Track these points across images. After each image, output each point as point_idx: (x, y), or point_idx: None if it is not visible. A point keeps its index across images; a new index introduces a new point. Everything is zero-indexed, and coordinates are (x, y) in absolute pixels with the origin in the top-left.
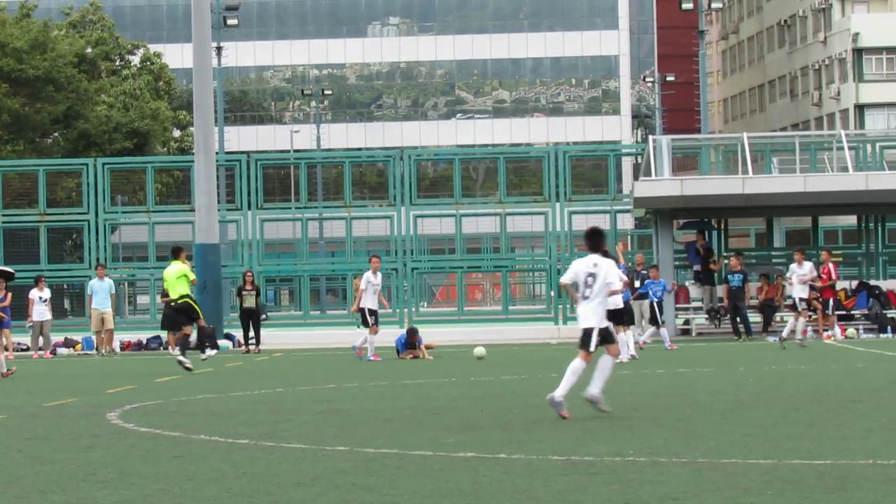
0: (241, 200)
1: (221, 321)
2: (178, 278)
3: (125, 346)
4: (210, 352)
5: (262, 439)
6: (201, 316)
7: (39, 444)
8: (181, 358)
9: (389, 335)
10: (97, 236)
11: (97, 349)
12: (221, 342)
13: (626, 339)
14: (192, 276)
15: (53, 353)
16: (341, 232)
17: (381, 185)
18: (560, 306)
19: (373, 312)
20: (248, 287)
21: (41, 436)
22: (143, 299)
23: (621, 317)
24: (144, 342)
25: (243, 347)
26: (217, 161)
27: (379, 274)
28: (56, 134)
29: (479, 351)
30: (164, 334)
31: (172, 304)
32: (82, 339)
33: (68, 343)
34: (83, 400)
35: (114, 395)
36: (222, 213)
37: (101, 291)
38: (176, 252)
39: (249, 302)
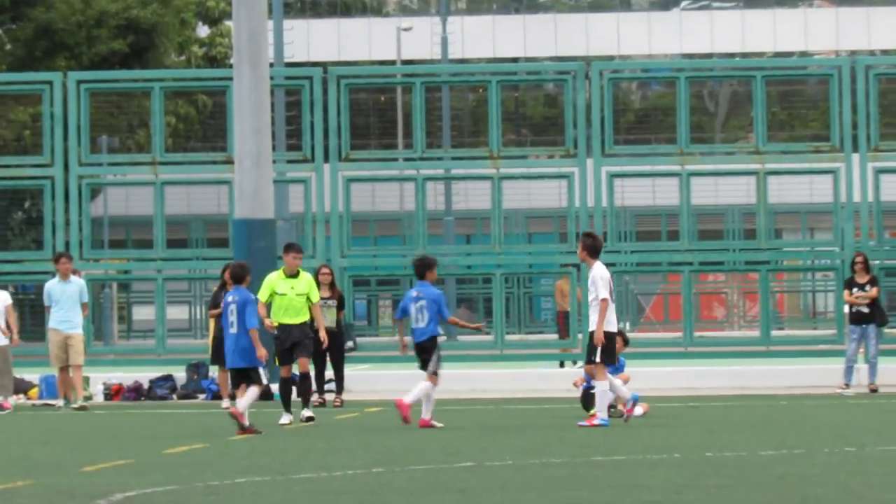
0: (313, 147)
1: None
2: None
3: (113, 393)
4: (306, 412)
5: None
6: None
7: None
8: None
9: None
10: (66, 205)
11: (63, 397)
12: (275, 388)
13: None
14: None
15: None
16: (482, 201)
17: (551, 123)
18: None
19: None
20: (325, 294)
21: None
22: (142, 313)
23: None
24: (147, 386)
25: (315, 396)
26: (272, 79)
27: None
28: None
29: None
30: (214, 371)
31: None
32: (40, 380)
33: (17, 387)
34: (41, 483)
35: (94, 476)
36: (280, 167)
37: (64, 300)
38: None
39: (326, 319)
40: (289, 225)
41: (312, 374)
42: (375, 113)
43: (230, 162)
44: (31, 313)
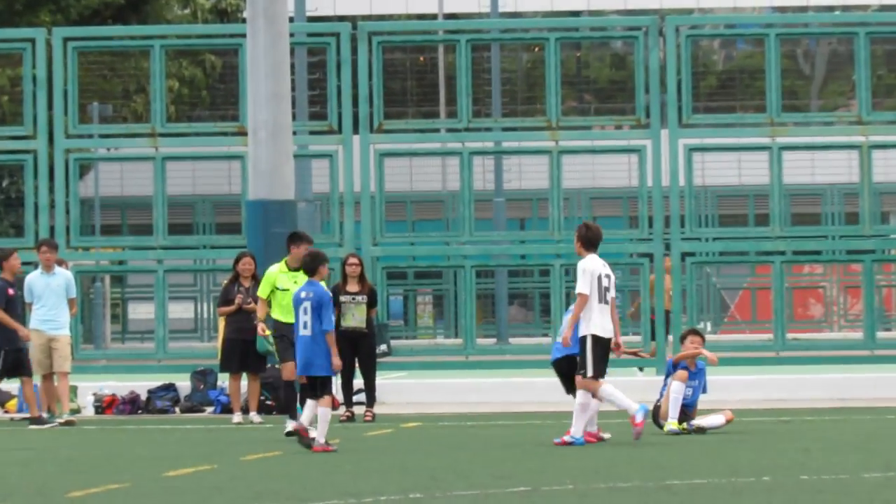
0: (340, 116)
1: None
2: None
3: (105, 405)
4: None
5: None
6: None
7: None
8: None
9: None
10: (50, 184)
11: (47, 410)
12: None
13: None
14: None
15: None
16: (538, 179)
17: (618, 88)
18: None
19: None
20: (354, 289)
21: None
22: (140, 311)
23: None
24: (145, 397)
25: (342, 410)
26: (292, 36)
27: None
28: None
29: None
30: (224, 379)
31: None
32: (20, 390)
33: None
34: None
35: (83, 503)
36: (302, 139)
37: (48, 295)
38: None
39: (355, 319)
40: (312, 207)
41: (336, 383)
42: (413, 76)
43: (243, 133)
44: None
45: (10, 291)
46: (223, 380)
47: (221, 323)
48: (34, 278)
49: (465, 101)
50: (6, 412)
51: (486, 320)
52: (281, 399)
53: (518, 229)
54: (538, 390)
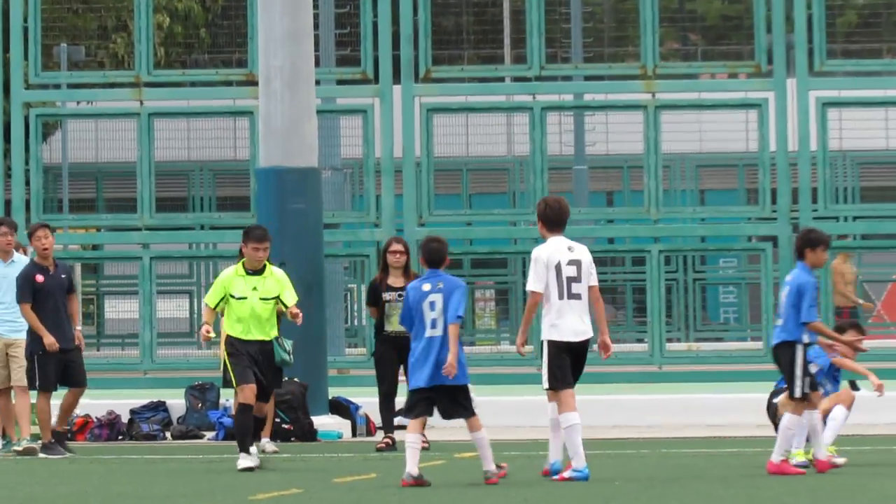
0: (377, 61)
1: (324, 365)
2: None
3: (76, 429)
4: (250, 458)
5: None
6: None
7: None
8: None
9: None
10: (5, 147)
11: (2, 435)
12: (325, 421)
13: None
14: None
15: None
16: (631, 142)
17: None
18: None
19: None
20: (398, 283)
21: None
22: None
23: None
24: (126, 419)
25: (381, 438)
26: None
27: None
28: None
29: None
30: (227, 396)
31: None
32: None
33: None
34: None
35: None
36: (327, 90)
37: (5, 288)
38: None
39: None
40: (340, 177)
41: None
42: (470, 9)
43: (252, 83)
44: None
45: (39, 278)
46: (227, 397)
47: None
48: None
49: (537, 43)
50: None
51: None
52: (242, 426)
53: (604, 206)
54: (627, 410)
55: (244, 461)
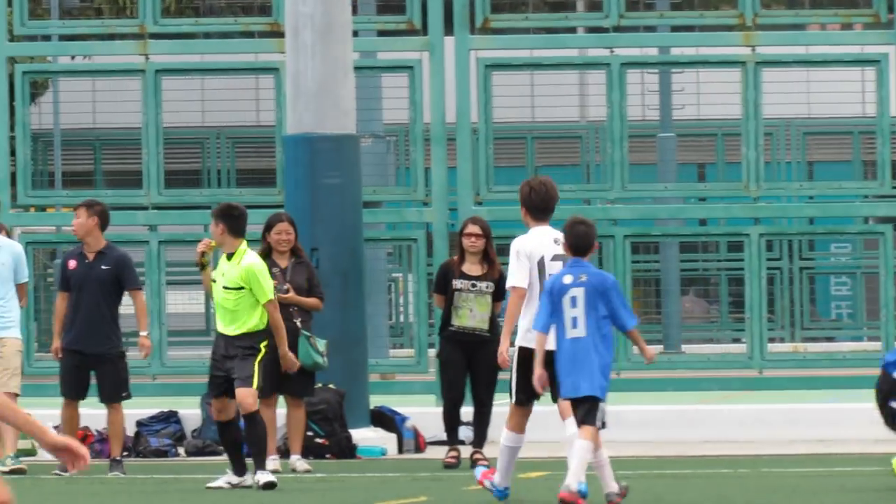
0: (425, 7)
1: (365, 370)
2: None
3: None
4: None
5: None
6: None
7: None
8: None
9: None
10: None
11: None
12: (366, 435)
13: None
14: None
15: None
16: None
17: None
18: None
19: None
20: (474, 271)
21: None
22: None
23: None
24: (133, 432)
25: (448, 451)
26: None
27: None
28: None
29: None
30: None
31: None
32: None
33: None
34: None
35: None
36: (367, 43)
37: None
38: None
39: (473, 316)
40: (383, 145)
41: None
42: None
43: (278, 34)
44: None
45: (71, 264)
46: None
47: None
48: None
49: None
50: None
51: (646, 317)
52: (256, 437)
53: (695, 180)
54: (718, 422)
55: (263, 476)
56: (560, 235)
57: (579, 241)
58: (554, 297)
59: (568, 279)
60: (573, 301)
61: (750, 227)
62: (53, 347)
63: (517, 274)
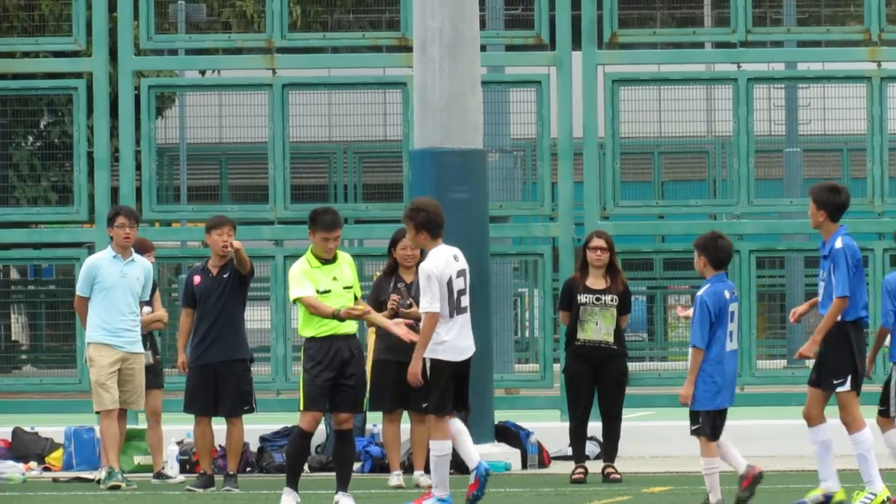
0: (553, 24)
1: (490, 384)
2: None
3: (196, 460)
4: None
5: None
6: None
7: None
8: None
9: None
10: (113, 122)
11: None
12: (490, 450)
13: None
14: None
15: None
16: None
17: None
18: None
19: None
20: (599, 285)
21: None
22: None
23: None
24: (256, 448)
25: (575, 467)
26: None
27: None
28: None
29: None
30: (376, 422)
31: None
32: (67, 436)
33: (28, 448)
34: None
35: None
36: (494, 58)
37: (122, 290)
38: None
39: (599, 329)
40: (509, 160)
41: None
42: None
43: (406, 48)
44: (51, 313)
45: (196, 280)
46: (374, 422)
47: (371, 337)
48: (100, 262)
49: (743, 2)
50: (47, 468)
51: (772, 333)
52: (293, 456)
53: None
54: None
55: (286, 498)
56: (457, 251)
57: (722, 255)
58: (718, 312)
59: (727, 294)
60: (732, 316)
61: (874, 242)
62: (180, 362)
63: (431, 300)
